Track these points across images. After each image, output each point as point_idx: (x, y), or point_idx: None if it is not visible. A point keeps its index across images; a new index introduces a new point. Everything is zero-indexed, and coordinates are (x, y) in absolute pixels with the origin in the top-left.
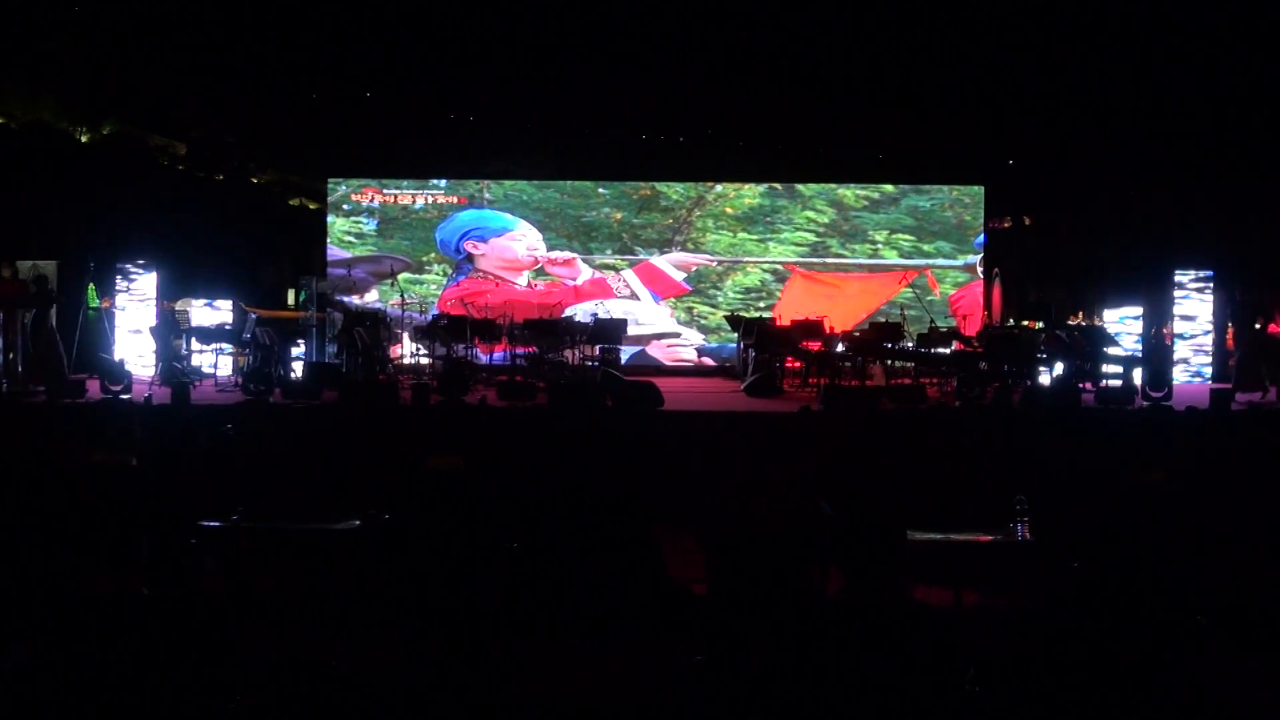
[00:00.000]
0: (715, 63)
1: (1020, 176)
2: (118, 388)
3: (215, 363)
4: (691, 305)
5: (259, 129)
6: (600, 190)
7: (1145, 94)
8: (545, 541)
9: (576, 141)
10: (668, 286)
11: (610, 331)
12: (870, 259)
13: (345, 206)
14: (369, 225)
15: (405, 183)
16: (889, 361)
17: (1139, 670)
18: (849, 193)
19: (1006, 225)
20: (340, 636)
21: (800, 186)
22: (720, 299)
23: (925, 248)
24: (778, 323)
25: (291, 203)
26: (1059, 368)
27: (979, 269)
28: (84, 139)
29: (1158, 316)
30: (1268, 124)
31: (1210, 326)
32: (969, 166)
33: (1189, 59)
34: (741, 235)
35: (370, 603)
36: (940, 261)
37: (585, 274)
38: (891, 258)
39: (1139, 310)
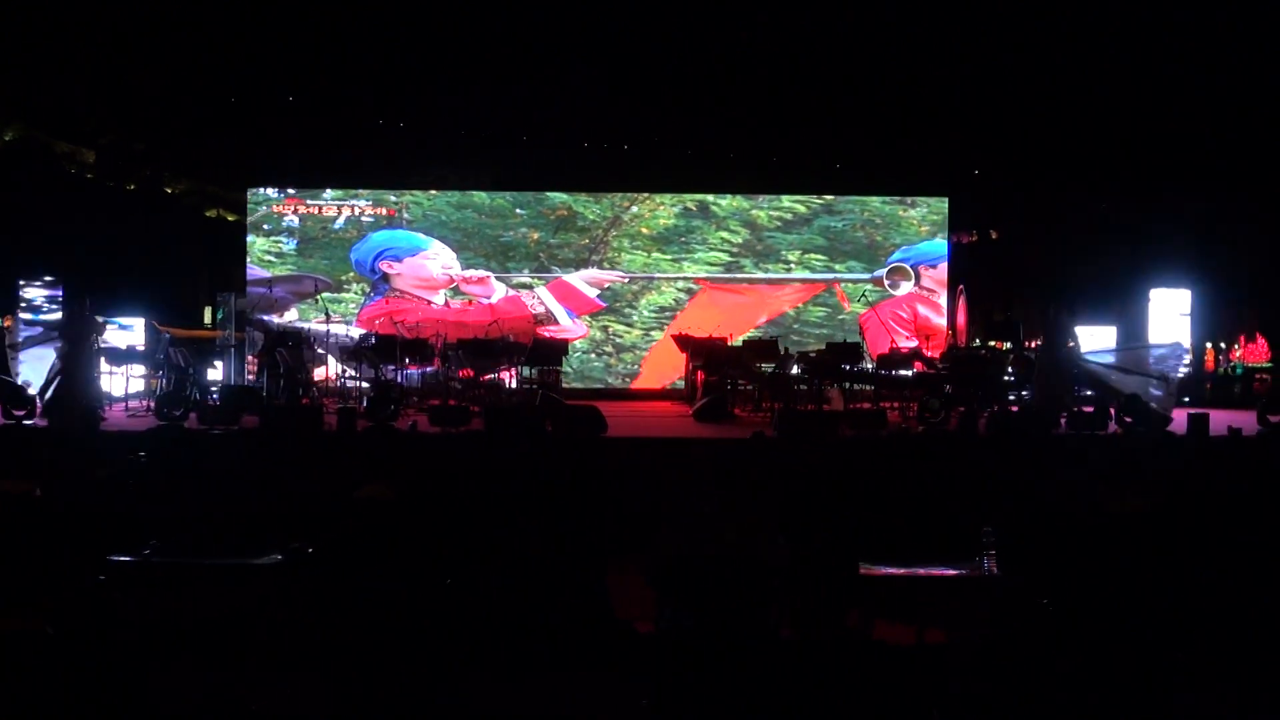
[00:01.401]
0: (667, 74)
1: (986, 188)
2: (21, 413)
3: (126, 386)
4: (607, 324)
5: (173, 136)
6: (518, 211)
7: (1118, 102)
8: (481, 576)
9: (505, 153)
10: (582, 303)
11: (550, 352)
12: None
13: (266, 226)
14: (289, 245)
15: (329, 194)
16: (847, 384)
17: (1115, 713)
18: (762, 213)
19: (972, 239)
20: (261, 678)
21: (715, 207)
22: (635, 317)
23: (837, 267)
24: (686, 336)
25: (208, 214)
26: (1027, 391)
27: (904, 286)
28: None
29: (1132, 335)
30: (1247, 133)
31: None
32: (932, 177)
33: (1163, 65)
34: (656, 255)
35: (294, 642)
36: (851, 275)
37: (500, 292)
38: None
39: (1112, 329)
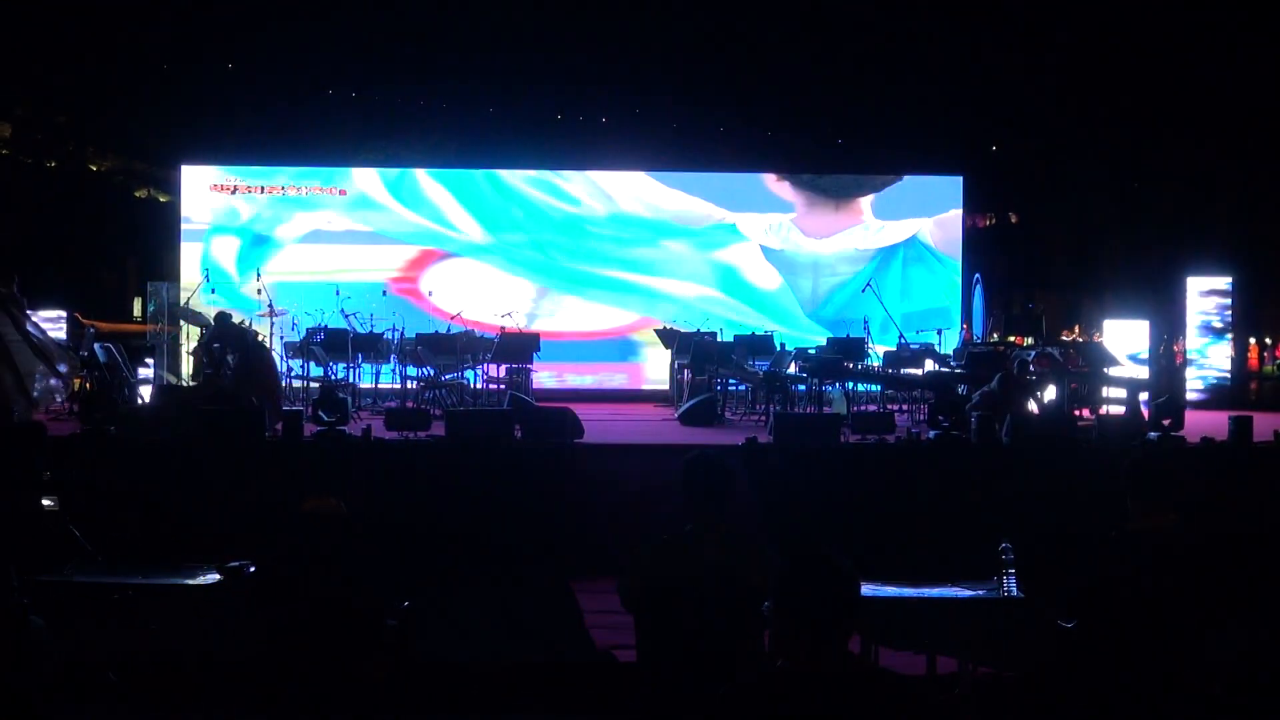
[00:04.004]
0: (662, 44)
1: (1004, 166)
2: None
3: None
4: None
5: (98, 107)
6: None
7: (1149, 69)
8: (443, 599)
9: (474, 127)
10: None
11: (519, 348)
12: None
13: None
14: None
15: (281, 172)
16: (850, 384)
17: None
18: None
19: (989, 222)
20: (197, 709)
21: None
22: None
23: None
24: (670, 330)
25: (138, 194)
26: (1051, 391)
27: None
28: None
29: (1168, 330)
30: None
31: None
32: (945, 154)
33: (1198, 33)
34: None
35: (232, 670)
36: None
37: None
38: None
39: (1145, 323)
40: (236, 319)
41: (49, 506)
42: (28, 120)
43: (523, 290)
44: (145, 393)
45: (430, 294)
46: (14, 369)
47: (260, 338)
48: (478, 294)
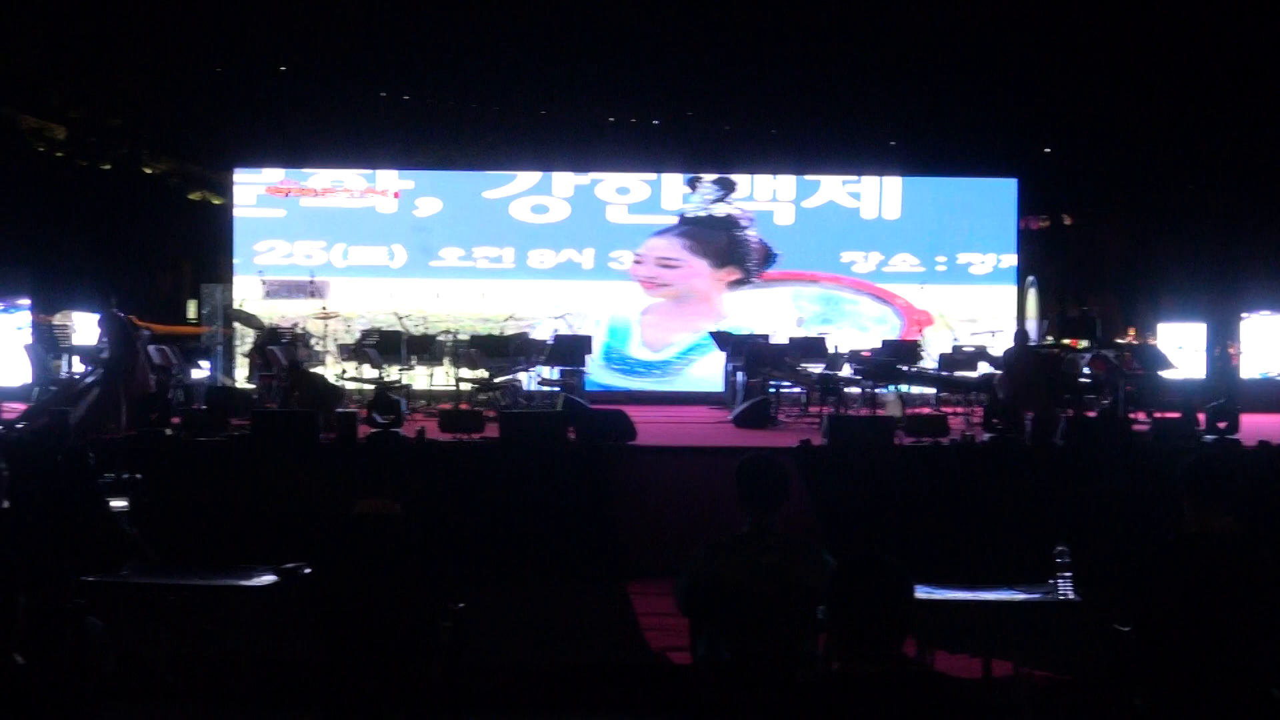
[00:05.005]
0: (718, 47)
1: (1058, 168)
2: None
3: None
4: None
5: (153, 110)
6: None
7: (1207, 72)
8: (497, 601)
9: (532, 129)
10: None
11: (573, 350)
12: None
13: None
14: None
15: (334, 174)
16: (905, 386)
17: None
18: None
19: (1043, 225)
20: (253, 709)
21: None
22: None
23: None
24: (724, 333)
25: (192, 197)
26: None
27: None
28: None
29: (1223, 333)
30: None
31: None
32: (999, 156)
33: (1256, 33)
34: None
35: (287, 672)
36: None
37: None
38: None
39: (1201, 326)
40: (289, 323)
41: (118, 509)
42: (82, 123)
43: (575, 292)
44: (199, 395)
45: (483, 295)
46: (129, 391)
47: (314, 340)
48: (528, 296)
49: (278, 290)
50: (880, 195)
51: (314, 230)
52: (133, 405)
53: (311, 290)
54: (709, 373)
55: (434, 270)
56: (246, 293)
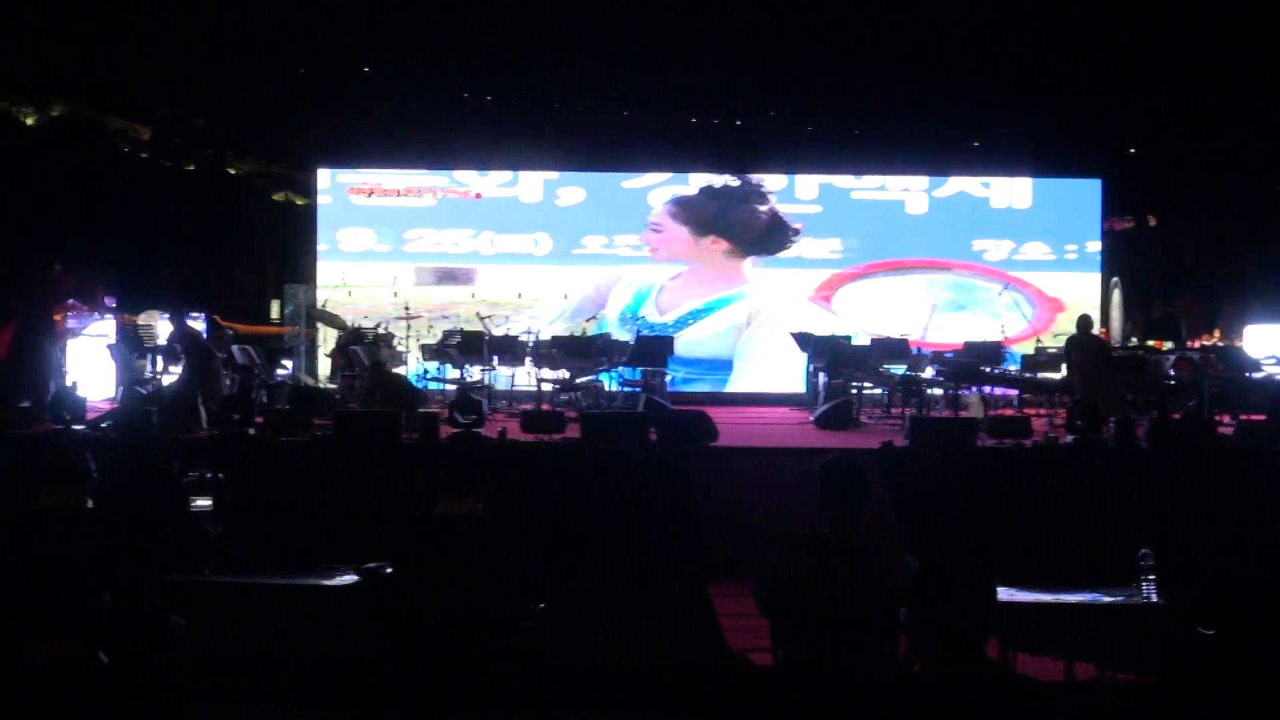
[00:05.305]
0: (796, 45)
1: (1143, 168)
2: (69, 417)
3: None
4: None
5: (236, 110)
6: None
7: None
8: (578, 602)
9: (615, 128)
10: None
11: (654, 351)
12: None
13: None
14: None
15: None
16: (987, 388)
17: None
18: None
19: (1128, 226)
20: (334, 709)
21: None
22: None
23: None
24: (806, 334)
25: (275, 197)
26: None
27: None
28: (29, 121)
29: None
30: None
31: None
32: (1083, 156)
33: None
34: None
35: (368, 673)
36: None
37: None
38: None
39: None
40: (370, 324)
41: (202, 508)
42: (167, 124)
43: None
44: (282, 395)
45: (565, 297)
46: (207, 394)
47: (397, 340)
48: (613, 297)
49: (432, 277)
50: (1010, 188)
51: (395, 229)
52: (210, 407)
53: (394, 290)
54: (790, 373)
55: (576, 258)
56: (327, 293)
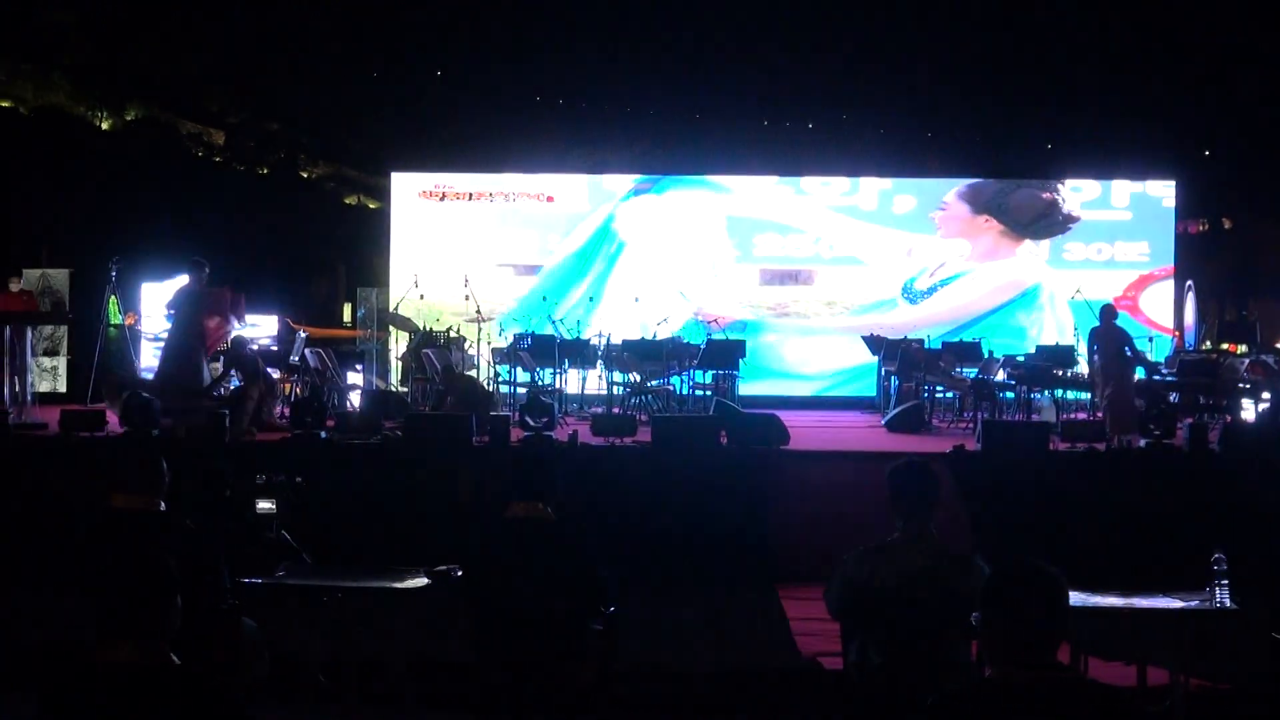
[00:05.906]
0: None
1: (1218, 170)
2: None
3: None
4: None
5: (310, 115)
6: None
7: None
8: (649, 605)
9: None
10: None
11: (726, 354)
12: None
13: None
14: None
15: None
16: (1060, 392)
17: None
18: None
19: (1202, 228)
20: (404, 710)
21: None
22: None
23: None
24: (877, 337)
25: (348, 201)
26: (1266, 400)
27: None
28: (105, 126)
29: None
30: None
31: None
32: (1158, 158)
33: None
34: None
35: (440, 675)
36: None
37: None
38: None
39: None
40: (444, 325)
41: (266, 510)
42: (241, 128)
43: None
44: (355, 398)
45: (636, 300)
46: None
47: (469, 344)
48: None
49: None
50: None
51: (467, 232)
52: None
53: (465, 294)
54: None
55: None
56: (400, 297)
